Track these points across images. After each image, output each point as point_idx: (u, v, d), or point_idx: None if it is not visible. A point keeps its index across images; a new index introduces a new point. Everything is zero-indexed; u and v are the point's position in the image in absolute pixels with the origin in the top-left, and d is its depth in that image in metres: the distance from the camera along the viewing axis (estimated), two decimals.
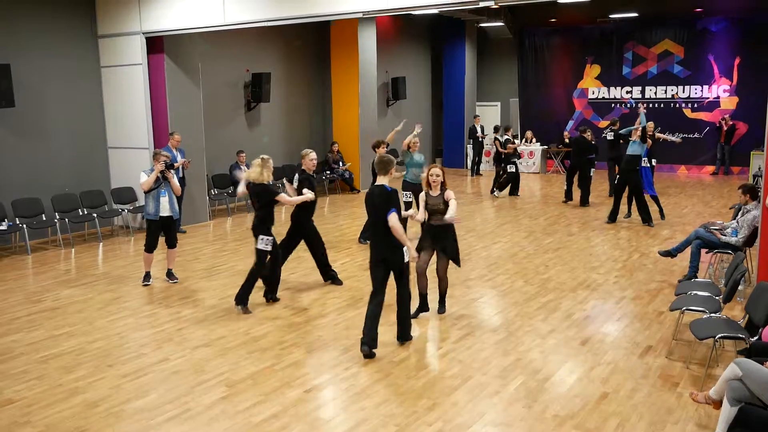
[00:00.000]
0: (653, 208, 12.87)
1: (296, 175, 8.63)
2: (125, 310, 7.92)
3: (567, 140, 15.47)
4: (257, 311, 7.78)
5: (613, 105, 21.39)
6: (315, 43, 17.82)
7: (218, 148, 14.72)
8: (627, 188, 12.48)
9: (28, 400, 5.57)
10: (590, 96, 21.75)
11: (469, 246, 11.06)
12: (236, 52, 15.40)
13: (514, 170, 16.05)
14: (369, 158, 17.48)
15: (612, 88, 21.36)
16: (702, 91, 20.07)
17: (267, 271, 7.92)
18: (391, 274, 6.42)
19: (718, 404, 4.78)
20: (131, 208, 12.46)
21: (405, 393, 5.59)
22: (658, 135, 15.27)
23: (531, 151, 21.19)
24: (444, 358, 6.34)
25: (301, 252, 9.12)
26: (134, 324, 7.44)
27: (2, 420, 5.23)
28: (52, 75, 11.93)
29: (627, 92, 21.11)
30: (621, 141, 13.08)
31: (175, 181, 8.78)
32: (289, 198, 8.18)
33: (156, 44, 12.25)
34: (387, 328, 6.94)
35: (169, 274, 9.11)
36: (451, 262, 7.29)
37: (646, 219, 12.36)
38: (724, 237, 8.41)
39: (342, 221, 13.22)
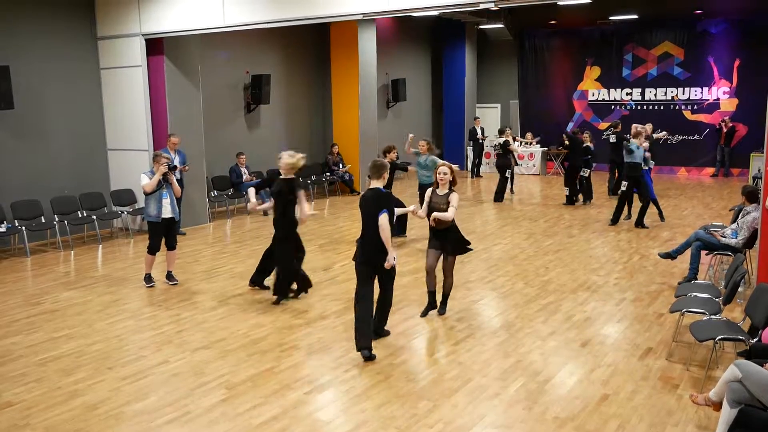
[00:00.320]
0: (651, 210, 12.88)
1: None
2: (125, 313, 7.92)
3: (566, 142, 15.44)
4: (256, 313, 7.79)
5: (613, 107, 21.41)
6: (315, 45, 17.84)
7: (218, 150, 14.73)
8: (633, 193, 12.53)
9: (27, 402, 5.57)
10: (590, 98, 21.77)
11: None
12: (236, 54, 15.42)
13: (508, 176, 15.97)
14: (369, 160, 17.43)
15: (612, 90, 21.38)
16: (702, 93, 20.09)
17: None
18: (377, 276, 6.48)
19: (718, 406, 4.78)
20: (131, 210, 12.47)
21: (405, 395, 5.60)
22: (656, 136, 15.31)
23: (531, 153, 21.19)
24: (444, 360, 6.34)
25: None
26: (134, 326, 7.44)
27: (1, 423, 5.23)
28: (52, 77, 11.94)
29: (627, 94, 21.13)
30: (625, 141, 13.12)
31: (175, 183, 8.83)
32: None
33: (156, 46, 12.26)
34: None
35: (169, 276, 9.11)
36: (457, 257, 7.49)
37: (640, 222, 12.36)
38: (723, 239, 8.42)
39: (342, 223, 13.22)
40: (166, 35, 11.96)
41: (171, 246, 8.96)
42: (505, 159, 15.77)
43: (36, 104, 11.73)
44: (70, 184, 12.21)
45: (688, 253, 8.80)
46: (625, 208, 12.94)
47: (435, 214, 7.09)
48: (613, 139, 15.32)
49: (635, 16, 20.07)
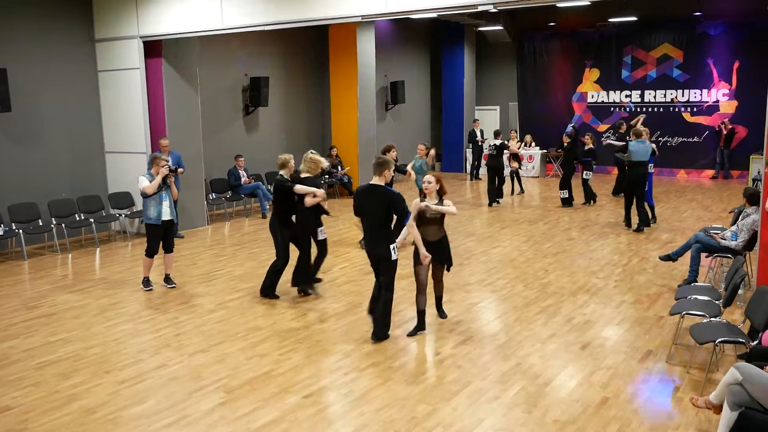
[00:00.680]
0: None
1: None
2: (122, 316, 7.91)
3: (566, 143, 15.44)
4: (254, 316, 7.78)
5: (612, 109, 21.42)
6: (313, 47, 17.85)
7: (216, 153, 14.73)
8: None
9: (25, 407, 5.56)
10: (589, 100, 21.79)
11: (469, 250, 11.07)
12: (235, 57, 15.42)
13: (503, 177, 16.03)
14: (368, 162, 17.52)
15: (611, 92, 21.40)
16: (701, 95, 20.11)
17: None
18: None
19: (718, 409, 4.78)
20: (129, 213, 12.46)
21: (404, 398, 5.59)
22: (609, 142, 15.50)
23: (530, 155, 21.20)
24: (443, 363, 6.34)
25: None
26: (132, 330, 7.43)
27: (0, 427, 5.23)
28: (49, 79, 11.94)
29: (626, 96, 21.15)
30: (628, 138, 13.10)
31: (174, 185, 8.87)
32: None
33: (154, 48, 12.27)
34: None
35: (167, 279, 9.10)
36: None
37: (641, 225, 12.34)
38: (723, 241, 8.42)
39: (341, 225, 13.22)
40: (164, 37, 11.97)
41: (169, 249, 8.96)
42: (498, 161, 15.78)
43: (33, 107, 11.73)
44: (68, 187, 12.20)
45: (687, 255, 8.81)
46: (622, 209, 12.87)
47: (435, 207, 6.80)
48: (612, 140, 15.35)
49: (634, 18, 20.09)
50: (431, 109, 23.80)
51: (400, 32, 21.23)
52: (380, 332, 6.86)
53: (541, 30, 22.09)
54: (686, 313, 6.34)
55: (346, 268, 9.85)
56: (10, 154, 11.44)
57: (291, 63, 17.24)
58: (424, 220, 6.85)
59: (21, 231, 10.97)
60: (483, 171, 21.52)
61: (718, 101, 19.92)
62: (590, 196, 15.36)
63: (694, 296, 6.75)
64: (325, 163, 8.66)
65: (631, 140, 12.34)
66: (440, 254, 6.96)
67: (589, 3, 13.96)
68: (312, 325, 7.50)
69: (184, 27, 11.50)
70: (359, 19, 9.95)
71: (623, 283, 9.07)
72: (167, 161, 8.79)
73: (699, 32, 19.87)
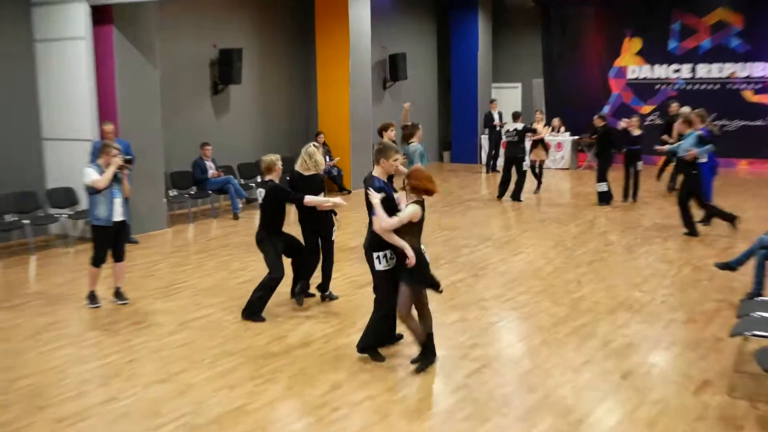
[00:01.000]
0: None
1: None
2: (63, 339, 7.84)
3: (599, 126, 15.39)
4: (223, 339, 7.72)
5: (657, 86, 21.45)
6: (296, 13, 17.83)
7: (179, 140, 14.68)
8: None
9: None
10: (630, 76, 21.80)
11: (484, 259, 11.03)
12: (202, 25, 15.38)
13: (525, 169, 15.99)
14: (361, 152, 17.51)
15: (656, 66, 21.41)
16: (765, 69, 20.12)
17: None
18: (392, 273, 6.71)
19: None
20: (72, 213, 12.40)
21: None
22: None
23: (559, 143, 21.18)
24: (454, 396, 6.29)
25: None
26: (74, 355, 7.37)
27: None
28: None
29: (675, 71, 21.15)
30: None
31: (126, 180, 8.85)
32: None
33: (103, 14, 12.21)
34: (386, 361, 6.89)
35: (118, 294, 9.05)
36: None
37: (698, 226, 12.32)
38: None
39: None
40: (115, 1, 11.90)
41: (119, 257, 8.91)
42: (519, 149, 15.76)
43: None
44: None
45: (751, 264, 8.76)
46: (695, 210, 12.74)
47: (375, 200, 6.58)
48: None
49: None
50: (438, 88, 23.79)
51: None
52: (363, 341, 6.99)
53: None
54: (751, 334, 6.30)
55: (337, 280, 9.78)
56: None
57: (269, 32, 17.21)
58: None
59: None
60: (501, 162, 21.54)
61: None
62: (633, 193, 15.32)
63: (760, 313, 6.71)
64: (322, 165, 8.82)
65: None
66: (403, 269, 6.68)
67: None
68: (294, 349, 7.43)
69: None
70: None
71: (673, 297, 9.02)
72: (119, 150, 8.75)
73: None
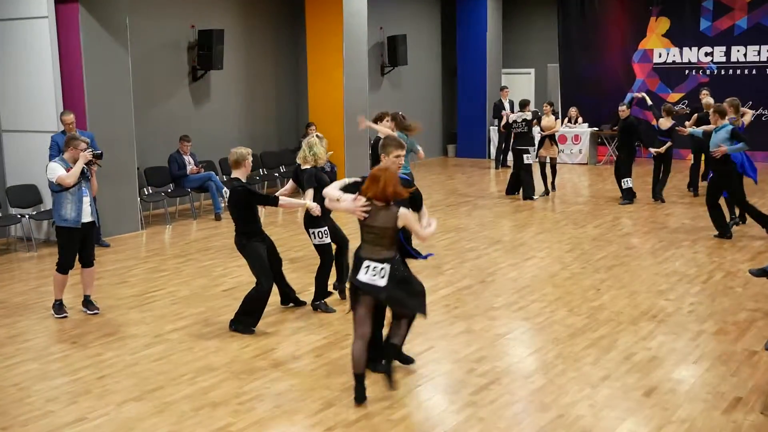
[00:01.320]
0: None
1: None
2: (26, 352, 7.87)
3: (626, 112, 15.41)
4: (204, 352, 7.77)
5: (687, 71, 21.48)
6: None
7: (153, 132, 14.72)
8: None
9: None
10: (656, 60, 21.83)
11: (493, 264, 11.09)
12: (178, 3, 15.41)
13: (531, 162, 16.03)
14: (357, 145, 17.54)
15: (686, 49, 21.44)
16: None
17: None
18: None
19: None
20: (34, 213, 12.44)
21: None
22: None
23: (576, 135, 21.23)
24: (459, 415, 6.32)
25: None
26: (38, 371, 7.40)
27: None
28: None
29: (706, 54, 21.18)
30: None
31: (94, 177, 8.91)
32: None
33: None
34: (381, 375, 6.96)
35: (87, 303, 9.09)
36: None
37: (730, 226, 12.37)
38: None
39: None
40: None
41: (88, 262, 8.95)
42: (526, 139, 15.89)
43: None
44: None
45: None
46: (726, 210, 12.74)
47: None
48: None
49: None
50: (442, 74, 23.81)
51: None
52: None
53: None
54: None
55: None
56: None
57: (254, 11, 17.24)
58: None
59: None
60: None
61: None
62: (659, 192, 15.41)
63: None
64: (323, 159, 8.99)
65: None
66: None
67: None
68: (283, 363, 7.48)
69: None
70: None
71: (702, 306, 9.07)
72: (87, 143, 8.80)
73: None
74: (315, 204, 8.48)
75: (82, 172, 8.66)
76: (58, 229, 8.78)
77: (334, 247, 9.15)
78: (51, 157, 10.71)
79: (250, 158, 8.37)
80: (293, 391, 6.83)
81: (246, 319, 8.34)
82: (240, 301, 8.44)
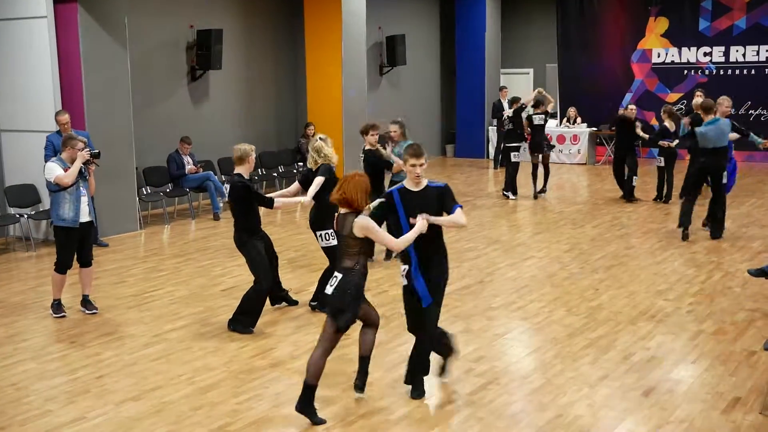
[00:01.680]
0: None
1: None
2: (24, 352, 7.87)
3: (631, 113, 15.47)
4: (203, 352, 7.78)
5: (685, 71, 21.48)
6: None
7: (152, 132, 14.71)
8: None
9: None
10: (655, 60, 21.84)
11: (492, 263, 11.10)
12: (177, 3, 15.41)
13: (518, 160, 16.05)
14: (355, 145, 17.50)
15: (684, 49, 21.44)
16: None
17: None
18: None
19: None
20: (33, 212, 12.44)
21: None
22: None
23: (575, 135, 21.24)
24: (458, 415, 6.34)
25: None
26: (37, 370, 7.40)
27: None
28: None
29: (705, 54, 21.19)
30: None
31: (92, 176, 8.93)
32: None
33: None
34: (380, 375, 6.95)
35: (85, 303, 9.09)
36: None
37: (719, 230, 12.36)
38: None
39: None
40: None
41: (86, 261, 8.96)
42: (515, 136, 15.98)
43: None
44: None
45: None
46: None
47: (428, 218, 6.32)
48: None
49: None
50: (441, 74, 23.81)
51: None
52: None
53: None
54: None
55: None
56: None
57: (253, 11, 17.24)
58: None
59: None
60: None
61: None
62: (664, 193, 15.41)
63: None
64: (334, 157, 8.93)
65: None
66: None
67: None
68: (281, 363, 7.49)
69: None
70: None
71: (701, 306, 9.08)
72: (85, 143, 8.81)
73: None
74: (309, 198, 8.54)
75: (80, 172, 8.66)
76: (56, 229, 8.79)
77: None
78: (46, 157, 10.73)
79: (254, 155, 8.46)
80: (291, 391, 6.82)
81: (244, 319, 8.34)
82: (239, 300, 8.45)
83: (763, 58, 20.51)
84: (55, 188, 8.62)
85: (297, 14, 17.96)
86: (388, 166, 10.83)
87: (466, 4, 22.59)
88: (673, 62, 21.65)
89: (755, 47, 20.63)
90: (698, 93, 16.34)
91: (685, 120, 14.89)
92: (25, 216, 12.40)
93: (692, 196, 12.23)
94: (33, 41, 12.32)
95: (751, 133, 12.65)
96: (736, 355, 7.56)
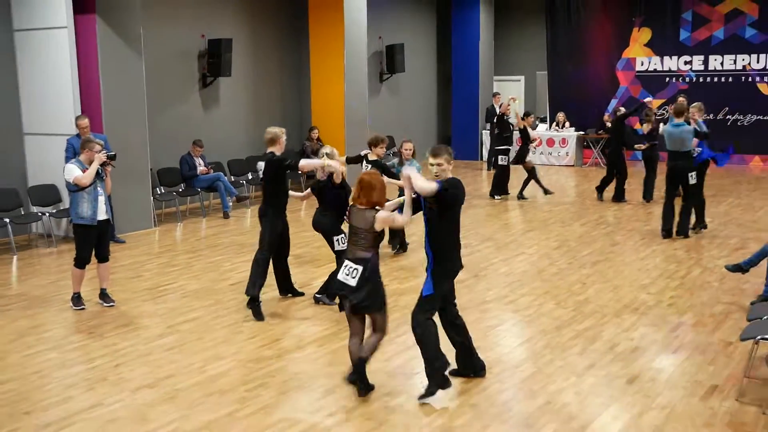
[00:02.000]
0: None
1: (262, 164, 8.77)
2: (46, 342, 7.89)
3: (609, 124, 15.54)
4: (214, 342, 7.79)
5: (667, 79, 21.50)
6: (289, 1, 17.84)
7: (166, 135, 14.71)
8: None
9: None
10: (639, 68, 21.85)
11: (486, 259, 11.10)
12: (189, 14, 15.41)
13: (505, 163, 16.03)
14: (357, 148, 17.50)
15: (666, 58, 21.46)
16: None
17: None
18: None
19: None
20: (54, 211, 12.44)
21: None
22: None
23: (563, 138, 21.25)
24: (452, 402, 6.35)
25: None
26: (58, 360, 7.42)
27: None
28: None
29: (686, 63, 21.20)
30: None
31: (109, 177, 8.94)
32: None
33: (85, 2, 12.24)
34: (380, 365, 6.97)
35: (103, 296, 9.11)
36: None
37: (688, 228, 12.26)
38: None
39: None
40: None
41: (103, 257, 8.97)
42: (500, 139, 16.04)
43: None
44: None
45: (763, 265, 8.83)
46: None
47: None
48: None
49: None
50: (438, 80, 23.81)
51: None
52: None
53: None
54: (762, 338, 6.34)
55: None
56: None
57: (260, 21, 17.24)
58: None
59: None
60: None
61: None
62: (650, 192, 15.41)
63: None
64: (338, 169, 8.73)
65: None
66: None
67: None
68: (287, 353, 7.50)
69: None
70: None
71: (681, 300, 9.09)
72: (102, 145, 8.82)
73: None
74: (336, 163, 8.54)
75: (97, 173, 8.67)
76: (75, 227, 8.81)
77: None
78: (66, 159, 10.75)
79: (284, 137, 8.67)
80: (297, 379, 6.85)
81: (250, 286, 8.54)
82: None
83: (739, 67, 20.54)
84: (74, 188, 8.63)
85: (302, 25, 17.97)
86: (393, 176, 10.74)
87: (462, 16, 22.60)
88: (655, 70, 21.67)
89: (732, 56, 20.65)
90: (681, 98, 16.37)
91: (645, 127, 14.95)
92: (47, 214, 12.41)
93: (668, 198, 12.21)
94: (54, 50, 12.31)
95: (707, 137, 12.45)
96: (714, 345, 7.57)
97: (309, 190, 9.15)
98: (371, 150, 10.75)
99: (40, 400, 6.47)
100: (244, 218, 14.63)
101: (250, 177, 16.32)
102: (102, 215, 8.77)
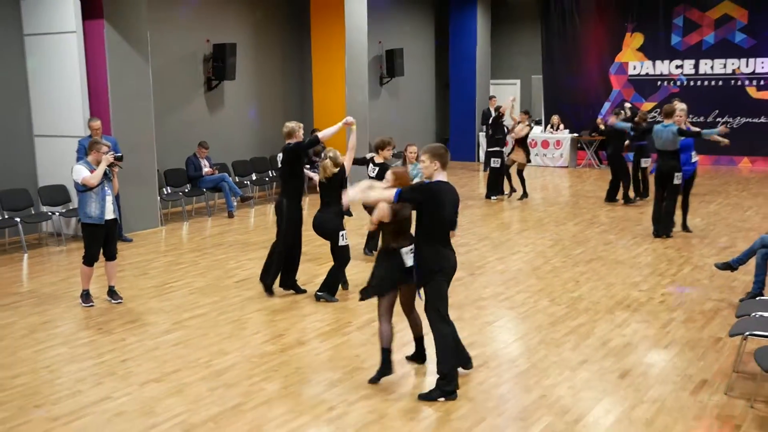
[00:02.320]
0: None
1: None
2: (56, 338, 7.90)
3: (602, 127, 15.53)
4: (219, 338, 7.80)
5: (659, 83, 21.50)
6: (291, 7, 17.85)
7: (172, 137, 14.72)
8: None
9: None
10: (631, 72, 21.84)
11: (482, 257, 11.11)
12: (195, 19, 15.42)
13: (498, 165, 15.97)
14: (357, 150, 17.50)
15: (658, 62, 21.46)
16: None
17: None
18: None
19: None
20: (64, 210, 12.45)
21: None
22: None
23: (558, 140, 21.26)
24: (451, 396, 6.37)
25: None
26: (68, 354, 7.43)
27: None
28: None
29: (677, 67, 21.20)
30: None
31: (116, 177, 8.97)
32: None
33: (93, 7, 12.25)
34: (379, 360, 6.99)
35: (111, 293, 9.11)
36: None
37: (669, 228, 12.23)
38: None
39: None
40: None
41: (111, 255, 8.98)
42: (492, 140, 16.09)
43: None
44: None
45: (752, 263, 8.84)
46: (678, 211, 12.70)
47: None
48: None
49: None
50: (436, 84, 23.81)
51: None
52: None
53: None
54: (750, 334, 6.36)
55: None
56: None
57: (263, 26, 17.24)
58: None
59: None
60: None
61: None
62: (645, 190, 15.39)
63: (760, 313, 6.78)
64: (332, 170, 8.90)
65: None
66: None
67: None
68: (290, 348, 7.51)
69: None
70: None
71: (672, 297, 9.11)
72: (109, 146, 8.83)
73: None
74: (352, 119, 9.11)
75: (105, 173, 8.68)
76: (84, 226, 8.81)
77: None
78: (78, 160, 10.75)
79: (301, 132, 9.08)
80: (299, 374, 6.86)
81: (265, 274, 8.97)
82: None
83: (729, 71, 20.54)
84: (82, 188, 8.64)
85: (304, 29, 17.97)
86: None
87: (459, 21, 22.62)
88: (647, 74, 21.66)
89: (723, 61, 20.65)
90: (675, 101, 16.38)
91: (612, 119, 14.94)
92: (57, 214, 12.42)
93: (656, 198, 12.22)
94: (63, 54, 12.32)
95: (702, 131, 12.50)
96: (703, 341, 7.58)
97: (316, 179, 9.26)
98: (377, 153, 10.74)
99: (50, 394, 6.48)
100: (248, 218, 14.64)
101: (254, 177, 16.34)
102: (110, 214, 8.79)
